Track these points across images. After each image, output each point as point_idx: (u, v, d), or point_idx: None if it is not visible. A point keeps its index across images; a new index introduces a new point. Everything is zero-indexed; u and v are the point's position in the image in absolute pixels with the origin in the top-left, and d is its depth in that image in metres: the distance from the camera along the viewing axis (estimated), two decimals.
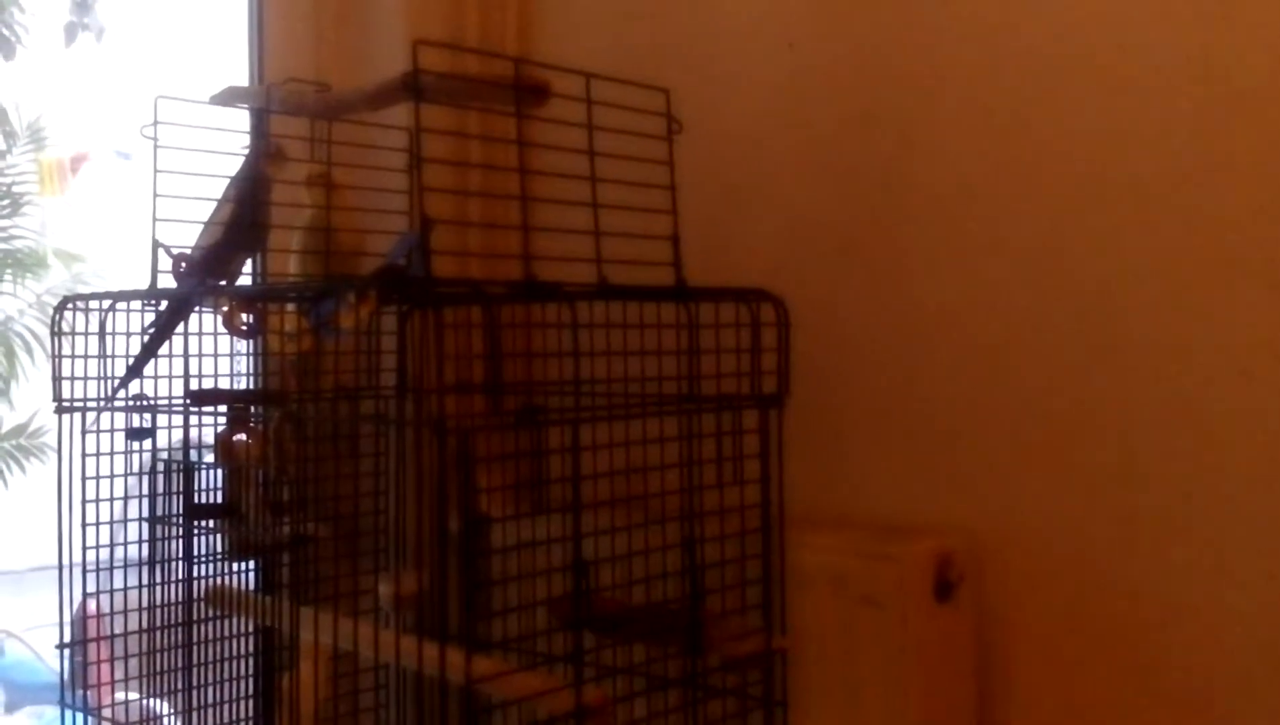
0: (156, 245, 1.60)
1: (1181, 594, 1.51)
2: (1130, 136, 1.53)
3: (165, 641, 1.75)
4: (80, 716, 1.72)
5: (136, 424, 1.64)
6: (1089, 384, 1.57)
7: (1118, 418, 1.55)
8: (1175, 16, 1.50)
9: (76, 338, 1.65)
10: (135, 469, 1.69)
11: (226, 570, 1.76)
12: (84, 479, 1.65)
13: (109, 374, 1.63)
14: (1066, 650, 1.59)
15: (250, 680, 1.83)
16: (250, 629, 1.83)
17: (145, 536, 1.72)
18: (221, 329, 1.63)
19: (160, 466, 1.70)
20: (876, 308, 1.73)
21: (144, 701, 1.82)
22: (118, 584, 1.72)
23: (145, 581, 1.74)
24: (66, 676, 1.74)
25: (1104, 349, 1.55)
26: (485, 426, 1.35)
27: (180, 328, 1.61)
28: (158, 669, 1.75)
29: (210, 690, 1.79)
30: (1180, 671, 1.51)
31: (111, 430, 1.66)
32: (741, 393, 1.52)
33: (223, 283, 1.62)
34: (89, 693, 1.74)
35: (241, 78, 2.13)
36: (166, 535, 1.73)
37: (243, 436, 1.64)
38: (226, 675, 1.81)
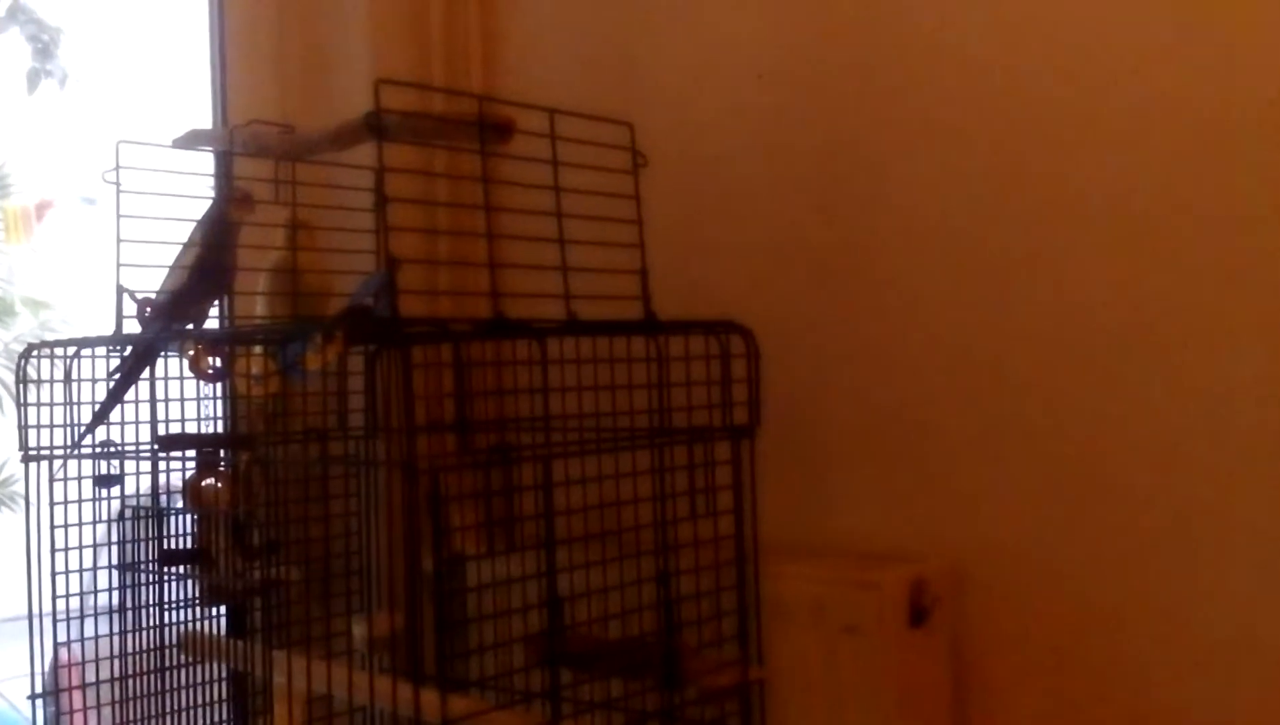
0: (121, 290, 1.59)
1: (1157, 617, 1.51)
2: (1104, 161, 1.54)
3: (139, 689, 1.73)
4: None
5: (105, 471, 1.63)
6: (1061, 409, 1.57)
7: (1091, 442, 1.55)
8: (1146, 45, 1.51)
9: (43, 385, 1.64)
10: (105, 516, 1.68)
11: (199, 616, 1.74)
12: (53, 527, 1.64)
13: (76, 421, 1.62)
14: (1042, 672, 1.59)
15: None
16: (224, 674, 1.81)
17: (116, 584, 1.71)
18: (188, 373, 1.62)
19: (130, 513, 1.68)
20: (847, 337, 1.73)
21: None
22: (89, 632, 1.71)
23: (117, 629, 1.72)
24: None
25: (1076, 374, 1.56)
26: (456, 465, 1.34)
27: (146, 373, 1.60)
28: (132, 717, 1.73)
29: None
30: (1156, 693, 1.51)
31: (79, 478, 1.65)
32: (713, 424, 1.52)
33: (189, 327, 1.61)
34: None
35: (206, 120, 2.13)
36: (138, 582, 1.71)
37: (212, 481, 1.63)
38: (202, 722, 1.79)
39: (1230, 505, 1.46)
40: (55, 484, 1.64)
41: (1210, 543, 1.47)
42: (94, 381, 1.62)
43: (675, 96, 1.89)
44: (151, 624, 1.73)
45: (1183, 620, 1.49)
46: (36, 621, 1.63)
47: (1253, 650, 1.45)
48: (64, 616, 1.66)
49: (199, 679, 1.79)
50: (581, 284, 1.42)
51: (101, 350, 1.62)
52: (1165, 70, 1.49)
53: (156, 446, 1.61)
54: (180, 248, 1.64)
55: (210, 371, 1.61)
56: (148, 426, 1.60)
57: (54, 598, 1.65)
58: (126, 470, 1.65)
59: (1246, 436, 1.45)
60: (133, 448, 1.62)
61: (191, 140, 1.68)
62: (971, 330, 1.63)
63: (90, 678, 1.73)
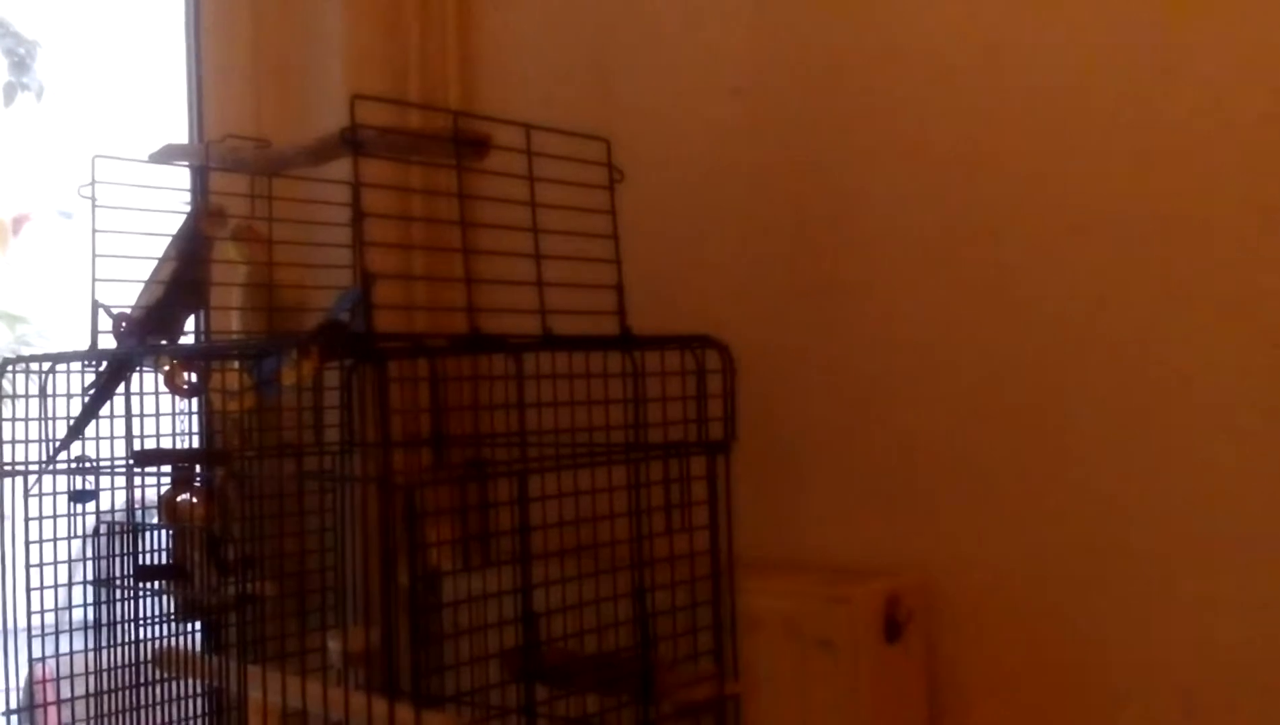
0: (96, 305, 1.59)
1: (1130, 631, 1.52)
2: (1073, 173, 1.55)
3: (115, 705, 1.73)
4: None
5: (80, 486, 1.63)
6: (1036, 425, 1.58)
7: (1065, 457, 1.56)
8: (1114, 57, 1.52)
9: (18, 400, 1.63)
10: (80, 532, 1.67)
11: (175, 631, 1.74)
12: (28, 543, 1.63)
13: (51, 436, 1.61)
14: (1016, 687, 1.59)
15: None
16: (200, 690, 1.80)
17: (92, 599, 1.70)
18: (164, 388, 1.62)
19: (105, 528, 1.68)
20: (822, 352, 1.74)
21: None
22: (65, 648, 1.70)
23: (93, 645, 1.71)
24: None
25: (1051, 389, 1.57)
26: (432, 480, 1.34)
27: (121, 388, 1.59)
28: None
29: None
30: (1131, 707, 1.52)
31: (55, 493, 1.64)
32: (688, 439, 1.52)
33: (164, 342, 1.61)
34: None
35: (183, 135, 2.13)
36: (113, 598, 1.71)
37: (188, 496, 1.63)
38: None
39: (1205, 517, 1.47)
40: (30, 499, 1.63)
41: (1185, 556, 1.48)
42: (69, 397, 1.62)
43: (652, 112, 1.90)
44: (127, 639, 1.72)
45: (1156, 633, 1.50)
46: (12, 637, 1.62)
47: (1224, 664, 1.46)
48: (39, 632, 1.66)
49: (175, 694, 1.78)
50: (557, 299, 1.43)
51: (77, 365, 1.62)
52: (1136, 82, 1.50)
53: (132, 462, 1.60)
54: (155, 263, 1.63)
55: (186, 387, 1.60)
56: (123, 442, 1.60)
57: (29, 613, 1.64)
58: (102, 486, 1.64)
59: (1223, 450, 1.46)
60: (108, 463, 1.62)
61: (167, 155, 1.68)
62: (947, 346, 1.64)
63: (66, 693, 1.72)
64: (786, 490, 1.75)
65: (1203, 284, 1.47)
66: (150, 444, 1.66)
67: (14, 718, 1.72)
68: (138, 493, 1.65)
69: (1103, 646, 1.53)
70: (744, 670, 1.54)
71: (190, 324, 1.67)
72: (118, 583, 1.70)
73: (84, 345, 1.60)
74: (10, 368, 1.65)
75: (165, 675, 1.75)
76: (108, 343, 1.59)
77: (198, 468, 1.64)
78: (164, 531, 1.67)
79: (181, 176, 1.73)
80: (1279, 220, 1.43)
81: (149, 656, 1.72)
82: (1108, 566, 1.53)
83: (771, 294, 1.79)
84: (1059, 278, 1.56)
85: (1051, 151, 1.56)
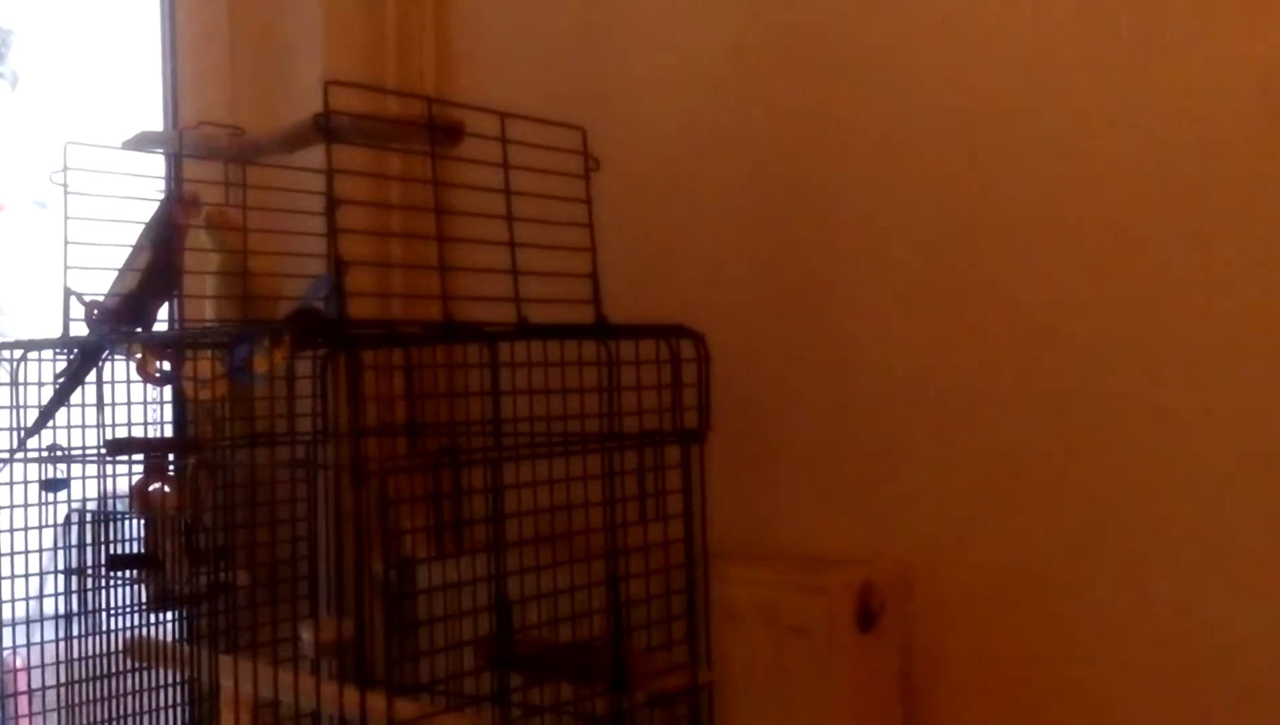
0: (68, 293, 1.58)
1: (1103, 623, 1.52)
2: (1052, 174, 1.55)
3: (87, 694, 1.72)
4: None
5: (51, 474, 1.62)
6: (1011, 416, 1.58)
7: (1040, 446, 1.56)
8: (1091, 63, 1.52)
9: None
10: (52, 520, 1.66)
11: (148, 621, 1.73)
12: None
13: (22, 425, 1.60)
14: (990, 676, 1.60)
15: None
16: (174, 680, 1.80)
17: (64, 589, 1.70)
18: (136, 376, 1.61)
19: (77, 517, 1.67)
20: (798, 341, 1.74)
21: None
22: (37, 638, 1.69)
23: (65, 634, 1.70)
24: None
25: (1026, 378, 1.57)
26: (406, 468, 1.34)
27: (93, 376, 1.59)
28: (81, 723, 1.72)
29: None
30: (1101, 699, 1.52)
31: (25, 482, 1.63)
32: (663, 429, 1.52)
33: (136, 329, 1.60)
34: None
35: (157, 122, 2.12)
36: (85, 587, 1.70)
37: (160, 485, 1.62)
38: None
39: (1183, 507, 1.47)
40: (1, 488, 1.63)
41: (1162, 544, 1.48)
42: (40, 385, 1.61)
43: (628, 102, 1.89)
44: (100, 629, 1.72)
45: (1134, 622, 1.50)
46: None
47: (1205, 652, 1.46)
48: (10, 622, 1.65)
49: (148, 684, 1.78)
50: (533, 287, 1.42)
51: (49, 353, 1.61)
52: (1116, 88, 1.50)
53: (104, 450, 1.60)
54: (129, 251, 1.63)
55: (158, 375, 1.60)
56: (95, 430, 1.59)
57: None
58: (74, 474, 1.63)
59: (1200, 443, 1.46)
60: (80, 451, 1.61)
61: (141, 142, 1.67)
62: (921, 335, 1.64)
63: (38, 683, 1.72)
64: (762, 479, 1.75)
65: (1191, 283, 1.47)
66: (122, 432, 1.65)
67: None
68: (110, 481, 1.65)
69: (1078, 636, 1.54)
70: (718, 659, 1.54)
71: (163, 312, 1.66)
72: (89, 572, 1.69)
73: (56, 333, 1.59)
74: None
75: (138, 665, 1.75)
76: (81, 330, 1.58)
77: (170, 456, 1.64)
78: (136, 520, 1.66)
79: (155, 164, 1.72)
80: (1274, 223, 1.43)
81: (121, 646, 1.72)
82: (1084, 557, 1.53)
83: (747, 283, 1.79)
84: (1040, 272, 1.56)
85: (1037, 147, 1.56)
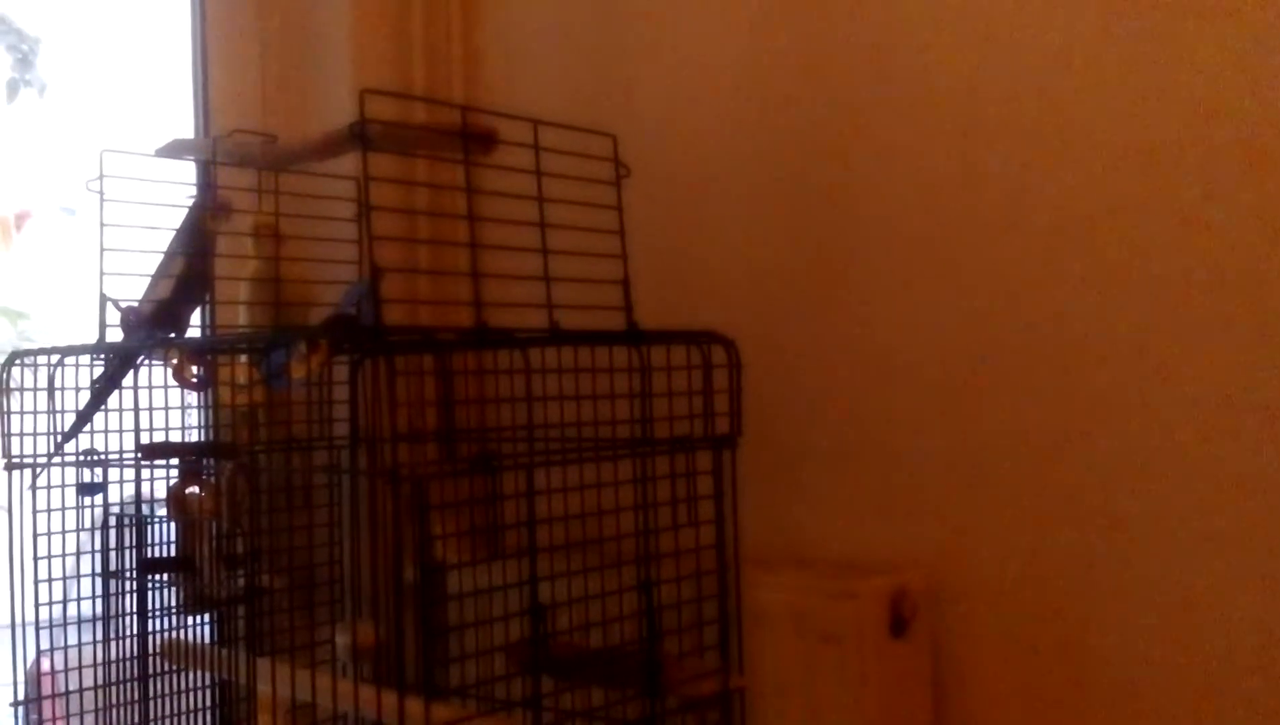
0: (104, 299, 1.59)
1: (1135, 627, 1.52)
2: (1077, 174, 1.55)
3: (120, 697, 1.73)
4: None
5: (87, 479, 1.63)
6: (1041, 420, 1.58)
7: (1070, 453, 1.56)
8: (1111, 64, 1.53)
9: (25, 393, 1.64)
10: (87, 524, 1.68)
11: (182, 624, 1.74)
12: (35, 535, 1.64)
13: (59, 429, 1.62)
14: (1022, 682, 1.60)
15: None
16: (207, 683, 1.81)
17: (99, 592, 1.71)
18: (172, 382, 1.62)
19: (112, 521, 1.68)
20: (829, 346, 1.74)
21: None
22: (71, 640, 1.71)
23: (99, 637, 1.72)
24: None
25: (1057, 385, 1.57)
26: (439, 473, 1.35)
27: (129, 381, 1.60)
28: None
29: None
30: (1135, 702, 1.52)
31: (63, 486, 1.65)
32: (694, 434, 1.52)
33: (172, 335, 1.61)
34: None
35: (187, 130, 2.13)
36: (120, 590, 1.71)
37: (195, 489, 1.63)
38: None
39: (1207, 512, 1.47)
40: (37, 492, 1.64)
41: (1187, 549, 1.48)
42: (77, 390, 1.62)
43: (658, 109, 1.90)
44: (133, 632, 1.73)
45: (1162, 627, 1.50)
46: (18, 629, 1.63)
47: (1232, 655, 1.46)
48: (46, 624, 1.66)
49: (181, 687, 1.79)
50: (564, 294, 1.43)
51: (85, 359, 1.62)
52: (1125, 85, 1.51)
53: (139, 455, 1.61)
54: (162, 257, 1.64)
55: (193, 380, 1.61)
56: (131, 435, 1.61)
57: (36, 605, 1.65)
58: (109, 478, 1.65)
59: (1221, 446, 1.46)
60: (116, 456, 1.62)
61: (175, 150, 1.69)
62: (951, 342, 1.65)
63: (73, 685, 1.73)
64: (792, 485, 1.75)
65: (1202, 283, 1.47)
66: (158, 437, 1.67)
67: (21, 709, 1.72)
68: (145, 486, 1.66)
69: (1108, 642, 1.54)
70: (749, 665, 1.54)
71: (195, 318, 1.68)
72: (124, 575, 1.70)
73: (90, 340, 1.61)
74: (18, 361, 1.65)
75: (172, 668, 1.76)
76: (116, 336, 1.60)
77: (205, 461, 1.65)
78: (171, 524, 1.67)
79: (188, 171, 1.74)
80: (1275, 221, 1.43)
81: (156, 649, 1.73)
82: (1113, 563, 1.53)
83: (778, 289, 1.79)
84: (1064, 278, 1.56)
85: (1056, 149, 1.56)
